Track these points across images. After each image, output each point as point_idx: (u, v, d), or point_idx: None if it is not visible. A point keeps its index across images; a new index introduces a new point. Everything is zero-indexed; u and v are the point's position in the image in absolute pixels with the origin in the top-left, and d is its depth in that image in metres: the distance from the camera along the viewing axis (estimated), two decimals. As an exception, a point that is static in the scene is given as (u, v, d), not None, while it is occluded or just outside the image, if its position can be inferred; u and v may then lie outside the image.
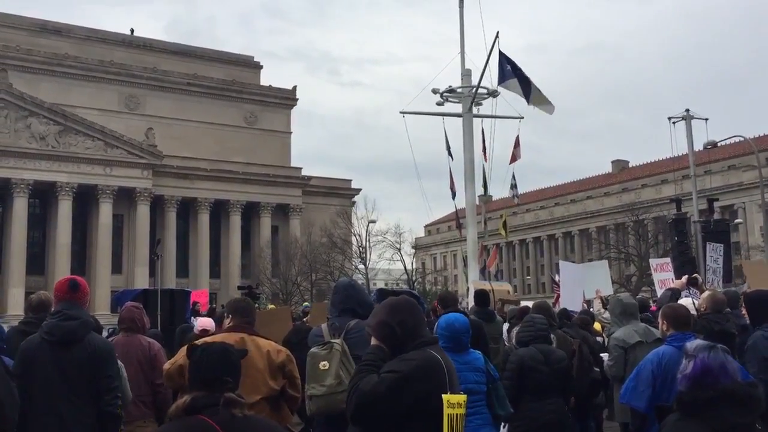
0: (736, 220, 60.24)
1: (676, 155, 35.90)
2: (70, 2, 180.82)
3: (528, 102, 19.37)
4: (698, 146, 33.78)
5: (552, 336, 8.02)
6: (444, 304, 9.75)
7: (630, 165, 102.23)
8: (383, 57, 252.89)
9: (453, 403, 3.78)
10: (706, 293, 8.25)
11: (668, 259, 16.20)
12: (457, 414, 3.80)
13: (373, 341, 4.07)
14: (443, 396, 3.74)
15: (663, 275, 14.36)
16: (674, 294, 8.57)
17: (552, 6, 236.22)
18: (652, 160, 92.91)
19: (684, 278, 9.83)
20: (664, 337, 6.07)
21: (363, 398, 3.74)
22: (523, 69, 19.32)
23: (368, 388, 3.73)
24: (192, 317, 19.86)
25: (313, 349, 5.28)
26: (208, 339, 5.91)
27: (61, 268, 67.76)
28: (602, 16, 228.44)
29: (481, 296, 10.68)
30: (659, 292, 13.74)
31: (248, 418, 3.26)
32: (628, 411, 6.40)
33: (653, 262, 15.74)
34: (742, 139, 41.90)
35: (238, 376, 3.50)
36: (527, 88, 19.16)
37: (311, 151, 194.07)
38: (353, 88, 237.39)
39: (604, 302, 14.05)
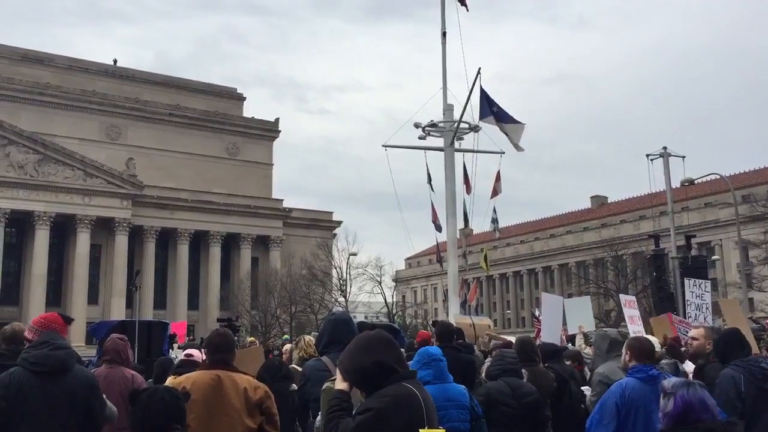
0: (714, 257, 60.85)
1: (654, 191, 36.37)
2: (51, 31, 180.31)
3: (516, 146, 19.44)
4: (675, 183, 34.31)
5: (523, 371, 7.99)
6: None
7: (609, 200, 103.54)
8: (350, 84, 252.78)
9: None
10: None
11: (633, 297, 16.58)
12: None
13: (339, 384, 3.99)
14: (420, 431, 3.71)
15: (631, 311, 14.65)
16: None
17: (521, 36, 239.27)
18: (631, 196, 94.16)
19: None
20: (626, 369, 6.07)
21: None
22: (495, 99, 19.45)
23: None
24: (170, 349, 19.60)
25: (328, 384, 5.19)
26: (180, 378, 5.81)
27: (36, 298, 66.71)
28: (573, 48, 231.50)
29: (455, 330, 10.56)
30: (629, 327, 13.90)
31: None
32: None
33: (623, 298, 16.02)
34: (718, 176, 42.51)
35: (184, 422, 3.46)
36: (510, 125, 19.33)
37: (282, 180, 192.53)
38: (321, 116, 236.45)
39: (587, 338, 14.08)
